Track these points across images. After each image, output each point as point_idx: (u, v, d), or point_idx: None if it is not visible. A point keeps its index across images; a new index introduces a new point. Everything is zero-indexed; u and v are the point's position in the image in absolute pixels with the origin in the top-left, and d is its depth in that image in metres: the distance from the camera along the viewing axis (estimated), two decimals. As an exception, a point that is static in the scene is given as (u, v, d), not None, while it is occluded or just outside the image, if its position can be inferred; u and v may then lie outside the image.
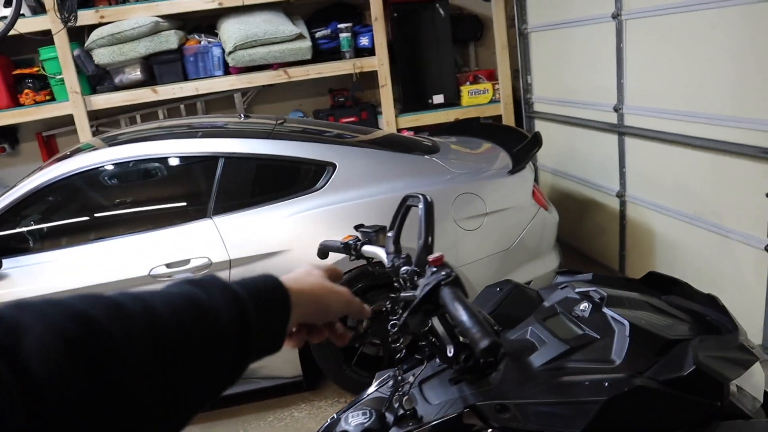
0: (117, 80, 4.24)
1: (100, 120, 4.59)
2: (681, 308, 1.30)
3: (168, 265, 2.77)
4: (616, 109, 3.57)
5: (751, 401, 1.20)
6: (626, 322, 1.16)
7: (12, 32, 3.60)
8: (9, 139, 4.60)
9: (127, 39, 4.03)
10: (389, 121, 4.61)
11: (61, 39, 4.02)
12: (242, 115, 3.53)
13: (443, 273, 1.10)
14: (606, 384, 1.07)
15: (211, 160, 2.96)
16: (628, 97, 3.49)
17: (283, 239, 2.83)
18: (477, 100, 4.72)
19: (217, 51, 4.31)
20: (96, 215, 3.09)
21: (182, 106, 4.65)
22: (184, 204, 3.07)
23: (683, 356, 1.09)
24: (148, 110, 4.59)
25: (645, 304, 1.28)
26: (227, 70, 4.38)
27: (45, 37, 4.06)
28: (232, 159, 2.96)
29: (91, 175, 2.95)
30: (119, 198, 3.17)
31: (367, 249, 1.39)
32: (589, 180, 4.08)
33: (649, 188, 3.47)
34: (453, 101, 4.75)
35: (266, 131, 3.10)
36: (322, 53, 4.51)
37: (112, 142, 3.14)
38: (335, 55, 4.52)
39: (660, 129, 3.21)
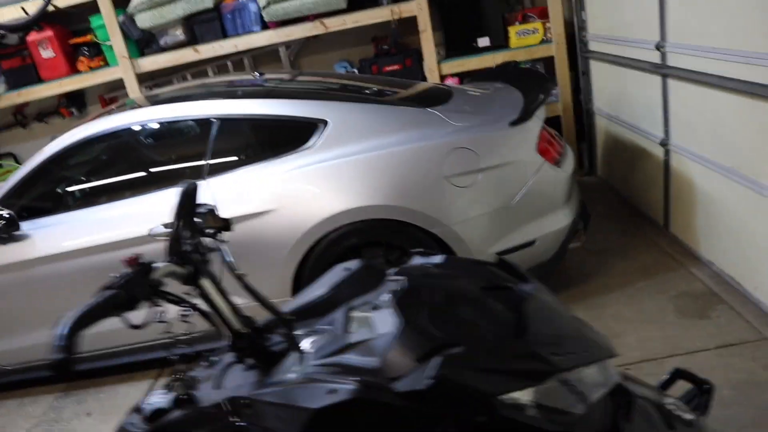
0: (162, 42, 4.41)
1: (156, 80, 4.83)
2: (504, 299, 1.15)
3: (166, 226, 2.90)
4: (658, 47, 3.16)
5: (561, 415, 1.06)
6: (399, 322, 1.06)
7: (60, 4, 3.85)
8: (77, 104, 5.00)
9: (165, 2, 4.16)
10: (431, 68, 4.41)
11: (106, 7, 4.23)
12: (257, 74, 3.54)
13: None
14: (328, 391, 0.99)
15: (205, 122, 3.02)
16: (671, 32, 3.07)
17: (274, 198, 2.85)
18: (526, 41, 4.36)
19: (253, 7, 4.32)
20: (101, 179, 3.30)
21: (229, 63, 4.74)
22: (181, 166, 3.18)
23: (433, 367, 0.97)
24: (196, 69, 4.74)
25: (462, 298, 1.15)
26: (265, 25, 4.39)
27: (94, 6, 4.29)
28: (225, 120, 3.00)
29: (96, 141, 3.14)
30: (122, 162, 3.35)
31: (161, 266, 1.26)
32: (637, 126, 3.69)
33: (692, 137, 3.08)
34: (500, 43, 4.44)
35: (259, 91, 3.09)
36: (359, 1, 4.37)
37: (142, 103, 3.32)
38: (373, 2, 4.36)
39: (701, 70, 2.80)
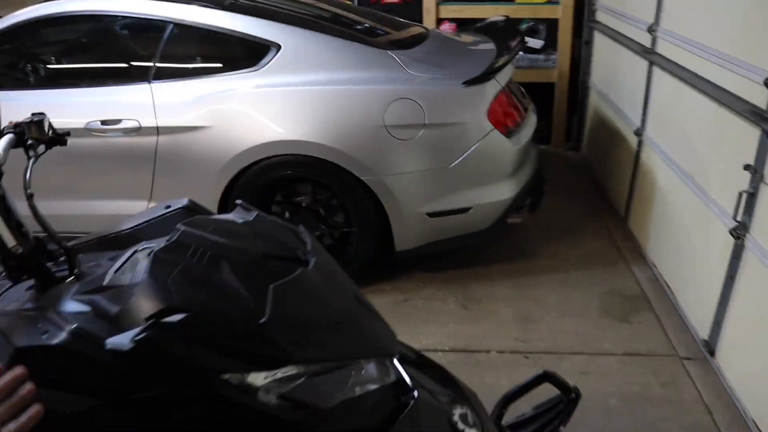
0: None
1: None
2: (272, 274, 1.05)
3: (103, 122, 2.82)
4: (650, 30, 2.92)
5: (301, 406, 0.99)
6: (145, 276, 0.98)
7: None
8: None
9: None
10: (429, 8, 4.18)
11: None
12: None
13: None
14: (42, 332, 0.95)
15: (160, 24, 2.87)
16: (665, 17, 2.83)
17: (212, 115, 2.74)
18: (533, -3, 4.10)
19: None
20: (47, 65, 3.18)
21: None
22: (128, 65, 3.06)
23: (142, 329, 0.89)
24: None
25: (230, 263, 1.04)
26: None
27: None
28: (180, 26, 2.85)
29: (48, 25, 3.01)
30: (69, 51, 3.23)
31: None
32: (620, 109, 3.48)
33: (664, 132, 2.88)
34: (505, -6, 4.17)
35: (222, 2, 2.92)
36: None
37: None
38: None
39: (683, 64, 2.58)
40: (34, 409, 0.77)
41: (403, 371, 1.23)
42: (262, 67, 2.76)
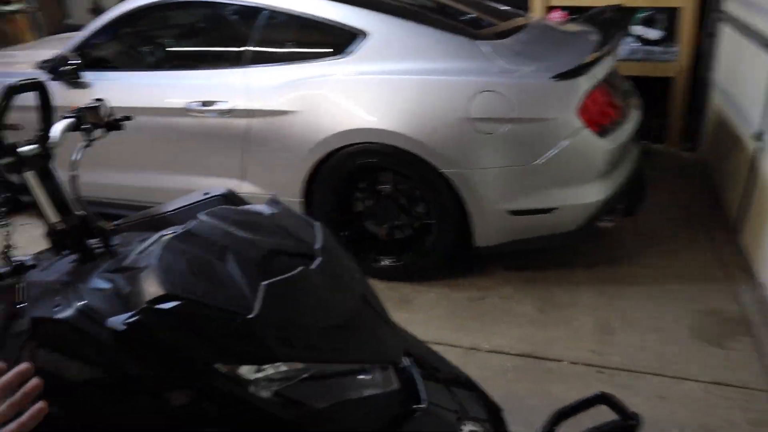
0: None
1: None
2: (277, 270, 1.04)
3: (203, 103, 2.96)
4: (781, 21, 2.61)
5: (293, 403, 0.98)
6: (153, 262, 1.01)
7: None
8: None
9: None
10: (540, -6, 3.99)
11: None
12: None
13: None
14: (54, 306, 1.01)
15: (256, 10, 2.95)
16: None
17: (301, 100, 2.79)
18: (654, -17, 3.78)
19: None
20: (155, 48, 3.37)
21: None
22: (226, 50, 3.17)
23: (136, 313, 0.92)
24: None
25: (237, 256, 1.05)
26: None
27: None
28: (274, 12, 2.93)
29: (157, 11, 3.19)
30: (176, 35, 3.39)
31: None
32: (740, 108, 3.15)
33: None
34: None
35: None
36: None
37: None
38: None
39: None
40: (37, 408, 0.74)
41: (419, 380, 1.19)
42: (350, 54, 2.77)
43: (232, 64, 3.01)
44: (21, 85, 1.21)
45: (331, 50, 2.83)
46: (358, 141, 2.70)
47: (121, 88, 3.18)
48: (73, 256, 1.24)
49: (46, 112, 1.28)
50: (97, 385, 0.99)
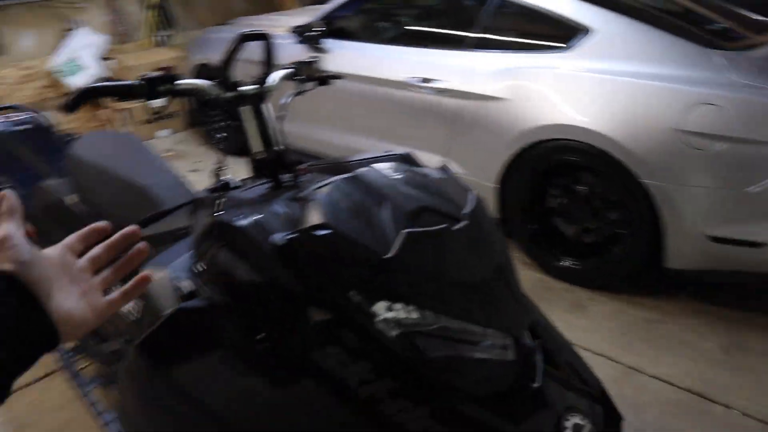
0: None
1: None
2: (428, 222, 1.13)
3: (424, 80, 3.16)
4: None
5: (413, 348, 1.08)
6: (324, 197, 1.18)
7: None
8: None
9: None
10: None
11: None
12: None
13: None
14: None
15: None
16: None
17: (513, 89, 2.84)
18: None
19: None
20: (388, 24, 3.62)
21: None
22: (451, 32, 3.29)
23: (293, 232, 1.09)
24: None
25: (396, 210, 1.16)
26: None
27: None
28: (505, 1, 3.00)
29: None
30: (406, 13, 3.60)
31: (187, 82, 1.39)
32: None
33: None
34: None
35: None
36: None
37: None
38: None
39: None
40: (141, 276, 0.73)
41: (539, 361, 1.22)
42: (570, 49, 2.75)
43: (456, 46, 3.15)
44: (252, 34, 1.46)
45: (552, 43, 2.83)
46: (562, 137, 2.68)
47: (353, 57, 3.51)
48: (268, 184, 1.47)
49: (269, 61, 1.51)
50: (257, 288, 1.19)
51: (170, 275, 1.42)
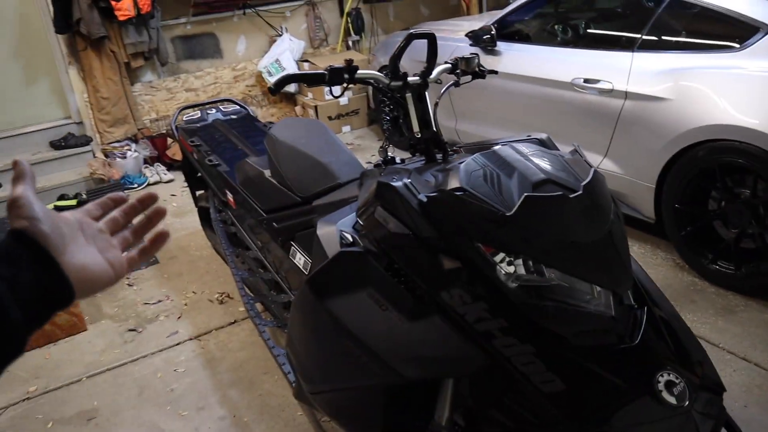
0: None
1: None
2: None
3: (585, 80, 3.25)
4: None
5: (533, 290, 1.29)
6: (459, 167, 1.42)
7: None
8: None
9: None
10: None
11: None
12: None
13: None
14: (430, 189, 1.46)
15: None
16: None
17: (676, 89, 2.84)
18: None
19: None
20: (557, 26, 3.72)
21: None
22: (618, 34, 3.32)
23: (435, 191, 1.34)
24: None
25: (522, 179, 1.37)
26: None
27: None
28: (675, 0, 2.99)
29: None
30: (576, 16, 3.64)
31: (363, 72, 1.69)
32: None
33: None
34: None
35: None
36: None
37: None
38: None
39: None
40: (157, 231, 0.75)
41: (641, 320, 1.35)
42: (744, 49, 2.69)
43: (621, 47, 3.20)
44: (419, 33, 1.73)
45: (725, 43, 2.79)
46: (726, 138, 2.64)
47: (521, 59, 3.68)
48: (424, 160, 1.74)
49: (431, 57, 1.78)
50: (402, 238, 1.47)
51: (337, 229, 1.74)
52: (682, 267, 3.00)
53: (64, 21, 4.64)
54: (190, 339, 2.92)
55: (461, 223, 1.33)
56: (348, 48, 6.09)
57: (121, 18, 4.70)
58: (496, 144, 1.72)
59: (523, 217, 1.27)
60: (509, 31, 3.89)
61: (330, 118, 5.60)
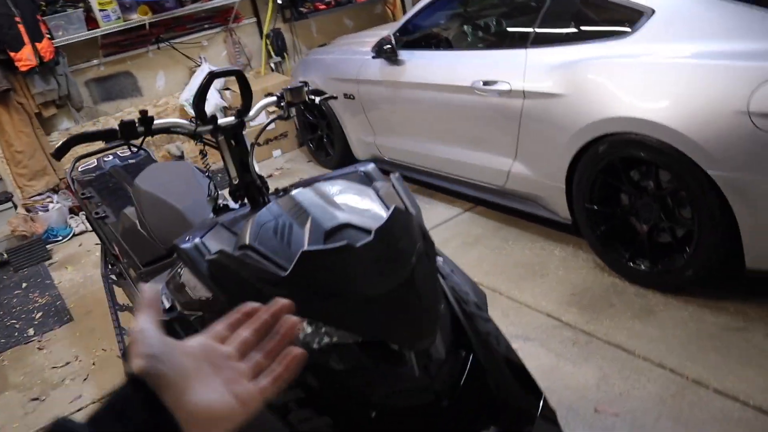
0: None
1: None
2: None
3: (485, 83, 3.10)
4: None
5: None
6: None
7: None
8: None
9: None
10: None
11: None
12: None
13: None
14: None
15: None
16: None
17: (569, 83, 2.69)
18: None
19: None
20: (454, 29, 3.59)
21: None
22: (513, 30, 3.18)
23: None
24: None
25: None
26: None
27: None
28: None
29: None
30: (471, 16, 3.51)
31: (163, 121, 1.53)
32: None
33: None
34: None
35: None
36: None
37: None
38: None
39: None
40: (294, 355, 0.64)
41: (458, 373, 1.19)
42: (630, 35, 2.55)
43: (516, 44, 3.06)
44: (222, 71, 1.57)
45: (611, 30, 2.65)
46: (620, 130, 2.49)
47: (426, 66, 3.53)
48: (248, 207, 1.58)
49: (245, 93, 1.61)
50: (203, 303, 1.30)
51: (162, 290, 1.57)
52: (603, 268, 2.85)
53: (-38, 78, 4.45)
54: (93, 402, 2.74)
55: (244, 286, 1.17)
56: (273, 70, 5.93)
57: (23, 69, 4.50)
58: (314, 180, 1.57)
59: (300, 275, 1.10)
60: (413, 38, 3.74)
61: (258, 144, 5.42)
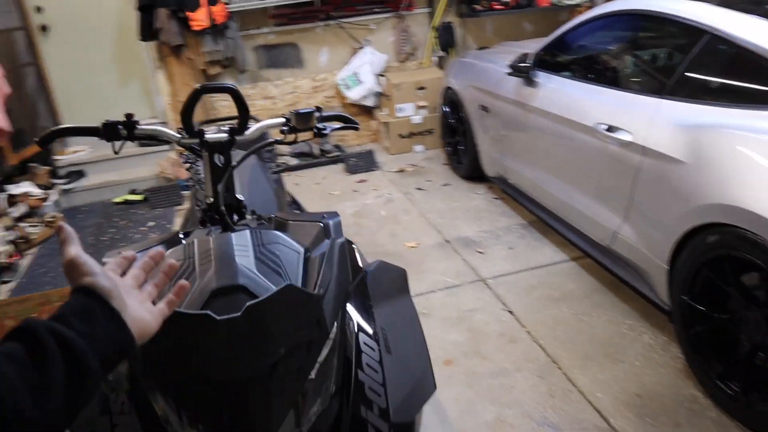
0: None
1: None
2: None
3: (608, 128, 2.69)
4: None
5: None
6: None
7: None
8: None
9: None
10: None
11: None
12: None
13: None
14: None
15: (693, 31, 2.42)
16: None
17: (694, 149, 2.23)
18: None
19: None
20: (593, 60, 3.16)
21: None
22: (648, 73, 2.68)
23: None
24: None
25: None
26: None
27: None
28: (715, 38, 2.33)
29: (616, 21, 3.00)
30: (617, 49, 3.02)
31: (147, 128, 1.49)
32: None
33: None
34: None
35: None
36: None
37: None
38: None
39: None
40: (180, 284, 0.86)
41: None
42: (783, 107, 2.03)
43: (649, 90, 2.60)
44: (212, 86, 1.48)
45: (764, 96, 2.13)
46: (735, 223, 2.01)
47: (555, 93, 3.18)
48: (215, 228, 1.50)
49: (241, 110, 1.51)
50: None
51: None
52: (688, 375, 2.37)
53: (147, 30, 4.90)
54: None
55: None
56: (436, 65, 5.78)
57: (196, 28, 4.85)
58: (286, 220, 1.45)
59: (164, 333, 0.99)
60: (554, 60, 3.37)
61: (401, 136, 5.35)
